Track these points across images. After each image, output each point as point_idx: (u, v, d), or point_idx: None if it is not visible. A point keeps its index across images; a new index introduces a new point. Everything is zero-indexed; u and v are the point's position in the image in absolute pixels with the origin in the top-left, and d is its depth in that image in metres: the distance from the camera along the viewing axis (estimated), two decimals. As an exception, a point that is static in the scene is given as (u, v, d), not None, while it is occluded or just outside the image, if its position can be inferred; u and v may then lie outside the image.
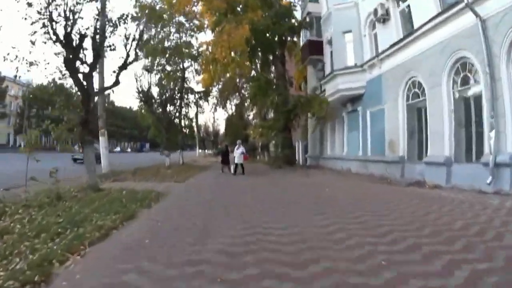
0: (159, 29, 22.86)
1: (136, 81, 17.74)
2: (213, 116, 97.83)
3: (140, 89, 17.79)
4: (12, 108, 60.36)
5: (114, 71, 9.23)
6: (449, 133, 9.37)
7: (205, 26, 23.49)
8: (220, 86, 34.95)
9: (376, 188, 9.28)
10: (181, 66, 22.81)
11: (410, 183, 9.83)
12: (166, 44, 23.13)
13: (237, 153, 15.10)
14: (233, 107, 41.78)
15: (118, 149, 77.79)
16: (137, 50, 9.19)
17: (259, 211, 5.89)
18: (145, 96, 17.98)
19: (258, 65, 23.47)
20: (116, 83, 9.06)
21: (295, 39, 24.65)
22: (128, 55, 9.16)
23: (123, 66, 9.22)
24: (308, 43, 19.54)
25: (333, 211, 5.78)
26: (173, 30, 23.53)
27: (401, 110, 11.49)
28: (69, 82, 8.95)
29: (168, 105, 20.29)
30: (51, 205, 6.43)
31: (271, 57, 21.37)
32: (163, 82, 20.55)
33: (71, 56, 8.34)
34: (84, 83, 8.40)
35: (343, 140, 16.08)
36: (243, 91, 37.04)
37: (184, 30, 23.89)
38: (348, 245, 3.81)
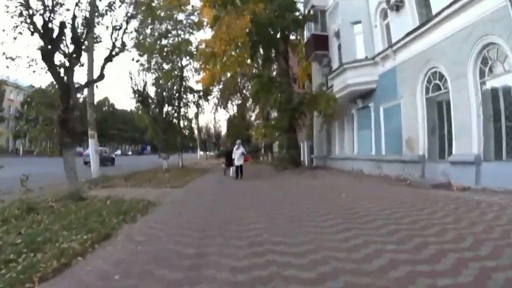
0: (156, 26, 22.12)
1: (131, 79, 16.59)
2: (214, 117, 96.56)
3: (135, 88, 16.60)
4: (12, 112, 59.51)
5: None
6: (477, 128, 8.30)
7: (205, 24, 22.60)
8: (221, 86, 34.15)
9: (398, 192, 8.19)
10: (179, 64, 21.80)
11: (435, 185, 8.76)
12: (164, 42, 22.36)
13: (237, 154, 13.66)
14: (235, 108, 40.86)
15: (118, 152, 76.86)
16: (124, 40, 8.19)
17: (270, 227, 4.75)
18: (140, 95, 16.78)
19: (260, 63, 22.50)
20: (101, 77, 8.06)
21: (298, 37, 23.72)
22: (114, 46, 8.17)
23: (109, 58, 8.23)
24: (313, 38, 18.44)
25: (361, 225, 4.66)
26: (170, 27, 22.70)
27: (420, 105, 10.40)
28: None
29: (166, 105, 19.24)
30: (19, 218, 5.40)
31: (273, 54, 20.36)
32: (160, 81, 19.55)
33: (49, 47, 7.38)
34: (65, 77, 7.41)
35: (353, 139, 14.95)
36: (244, 91, 36.20)
37: (183, 27, 22.99)
38: (396, 278, 2.74)
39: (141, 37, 21.60)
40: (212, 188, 10.58)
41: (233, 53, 15.74)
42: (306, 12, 19.26)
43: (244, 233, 4.45)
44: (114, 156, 33.04)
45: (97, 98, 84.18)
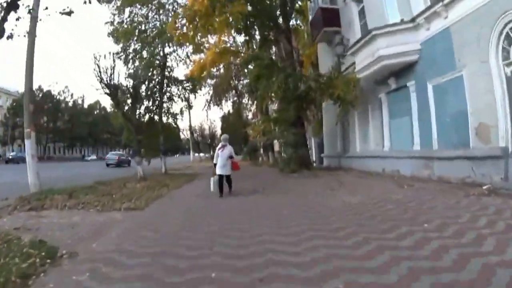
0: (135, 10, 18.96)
1: (98, 66, 12.69)
2: (206, 114, 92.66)
3: (100, 77, 12.69)
4: (-1, 118, 56.19)
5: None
6: None
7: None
8: (214, 81, 31.18)
9: (498, 208, 4.91)
10: (161, 52, 18.46)
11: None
12: (144, 27, 19.10)
13: (221, 158, 8.40)
14: (229, 105, 37.66)
15: (112, 156, 73.58)
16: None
17: None
18: (108, 86, 12.98)
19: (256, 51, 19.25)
20: (-1, 33, 4.75)
21: (299, 22, 20.63)
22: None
23: (13, 4, 4.95)
24: (321, 12, 15.22)
25: None
26: (151, 13, 19.55)
27: (497, 75, 7.09)
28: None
29: (146, 99, 15.84)
30: None
31: (271, 35, 17.09)
32: (139, 71, 16.21)
33: None
34: None
35: (382, 132, 11.53)
36: (240, 87, 33.09)
37: (166, 11, 19.75)
38: None
39: (115, 22, 18.56)
40: (188, 211, 6.34)
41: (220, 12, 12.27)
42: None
43: None
44: (130, 159, 34.23)
45: (88, 101, 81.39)
